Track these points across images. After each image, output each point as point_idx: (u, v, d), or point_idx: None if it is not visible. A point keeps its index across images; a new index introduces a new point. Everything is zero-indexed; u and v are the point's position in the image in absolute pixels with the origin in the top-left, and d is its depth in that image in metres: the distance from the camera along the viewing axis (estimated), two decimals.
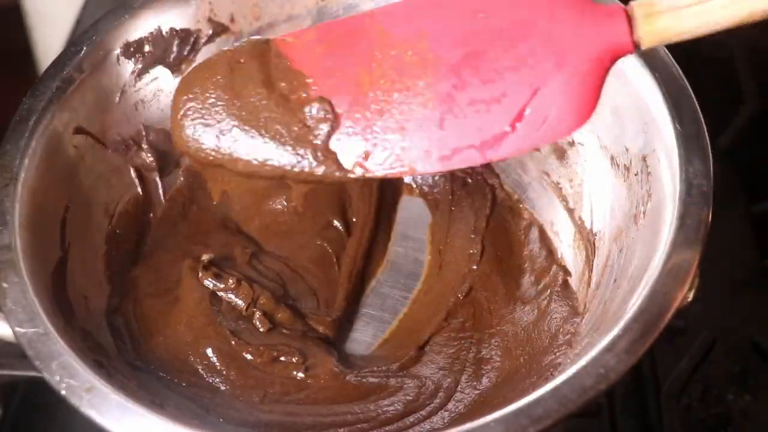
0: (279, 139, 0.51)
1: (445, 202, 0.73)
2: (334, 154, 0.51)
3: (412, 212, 0.74)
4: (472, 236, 0.70)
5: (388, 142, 0.50)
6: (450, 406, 0.60)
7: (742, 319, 0.77)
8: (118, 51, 0.64)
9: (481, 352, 0.64)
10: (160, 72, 0.67)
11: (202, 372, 0.60)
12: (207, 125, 0.52)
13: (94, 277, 0.62)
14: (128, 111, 0.66)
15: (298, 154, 0.51)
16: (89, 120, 0.63)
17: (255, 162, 0.52)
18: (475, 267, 0.69)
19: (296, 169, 0.51)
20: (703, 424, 0.71)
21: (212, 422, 0.57)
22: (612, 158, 0.61)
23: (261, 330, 0.62)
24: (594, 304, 0.59)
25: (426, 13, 0.50)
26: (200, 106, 0.53)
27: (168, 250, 0.68)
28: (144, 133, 0.67)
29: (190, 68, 0.67)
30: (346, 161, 0.51)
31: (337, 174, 0.51)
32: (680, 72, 0.57)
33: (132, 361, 0.59)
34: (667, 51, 0.58)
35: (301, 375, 0.60)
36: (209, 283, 0.63)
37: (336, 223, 0.71)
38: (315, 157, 0.51)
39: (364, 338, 0.67)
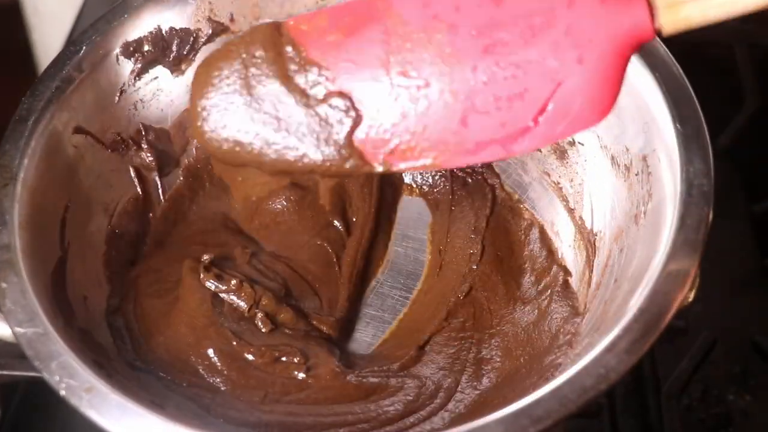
0: (302, 136, 0.50)
1: (445, 202, 0.73)
2: (359, 149, 0.50)
3: (412, 212, 0.74)
4: (473, 236, 0.70)
5: (411, 137, 0.49)
6: (450, 406, 0.60)
7: (742, 319, 0.77)
8: (117, 50, 0.64)
9: (482, 352, 0.64)
10: (160, 71, 0.67)
11: (202, 372, 0.60)
12: (228, 127, 0.51)
13: (94, 276, 0.62)
14: (128, 110, 0.66)
15: (322, 150, 0.50)
16: (89, 119, 0.63)
17: (282, 160, 0.51)
18: (475, 267, 0.69)
19: (323, 165, 0.51)
20: (704, 424, 0.71)
21: (212, 422, 0.56)
22: (612, 158, 0.61)
23: (263, 330, 0.62)
24: (594, 304, 0.59)
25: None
26: (219, 108, 0.51)
27: (168, 250, 0.68)
28: (143, 133, 0.66)
29: (189, 68, 0.68)
30: (371, 156, 0.50)
31: (364, 168, 0.50)
32: (680, 71, 0.57)
33: (132, 361, 0.59)
34: (667, 50, 0.58)
35: (302, 375, 0.60)
36: (211, 284, 0.63)
37: (336, 223, 0.71)
38: (339, 153, 0.50)
39: (364, 338, 0.67)
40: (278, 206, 0.70)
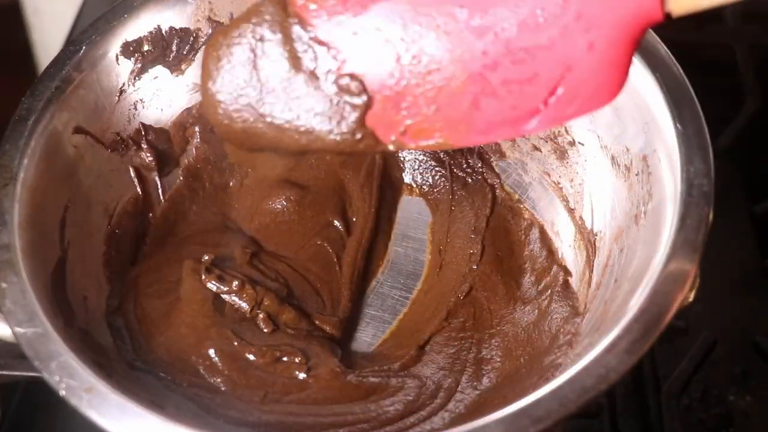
0: (315, 118, 0.50)
1: (445, 202, 0.73)
2: (371, 129, 0.49)
3: (412, 212, 0.74)
4: (473, 236, 0.70)
5: (423, 118, 0.49)
6: (450, 406, 0.60)
7: (742, 319, 0.77)
8: (117, 50, 0.64)
9: (482, 352, 0.64)
10: (160, 71, 0.67)
11: (203, 372, 0.60)
12: (243, 114, 0.51)
13: (94, 277, 0.62)
14: (128, 110, 0.66)
15: (334, 131, 0.50)
16: (88, 119, 0.63)
17: (295, 141, 0.50)
18: (475, 267, 0.69)
19: (337, 146, 0.50)
20: (704, 425, 0.71)
21: (212, 422, 0.56)
22: (612, 158, 0.61)
23: (265, 331, 0.62)
24: (594, 304, 0.59)
25: None
26: (230, 94, 0.51)
27: (168, 250, 0.68)
28: (143, 133, 0.66)
29: (189, 67, 0.68)
30: (383, 136, 0.50)
31: (378, 148, 0.50)
32: (681, 71, 0.57)
33: (132, 361, 0.59)
34: (667, 50, 0.58)
35: (303, 375, 0.60)
36: (213, 285, 0.63)
37: (336, 223, 0.71)
38: (353, 134, 0.50)
39: (364, 338, 0.67)
40: (278, 206, 0.70)
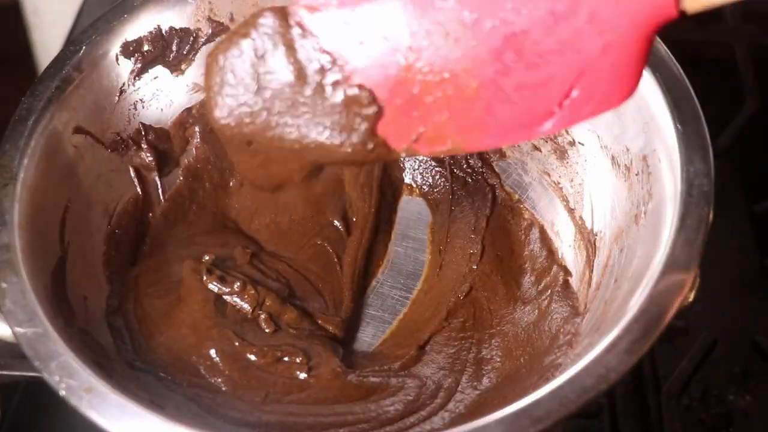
0: (325, 130, 0.49)
1: (445, 202, 0.72)
2: (383, 139, 0.49)
3: (412, 212, 0.74)
4: (473, 236, 0.70)
5: (435, 126, 0.48)
6: (450, 406, 0.60)
7: (742, 319, 0.77)
8: (117, 50, 0.64)
9: (482, 352, 0.64)
10: (160, 71, 0.67)
11: (204, 373, 0.60)
12: (254, 128, 0.51)
13: (94, 277, 0.62)
14: (128, 110, 0.66)
15: (345, 143, 0.49)
16: (88, 119, 0.63)
17: (307, 152, 0.50)
18: (475, 267, 0.69)
19: (349, 157, 0.50)
20: (704, 425, 0.71)
21: (213, 422, 0.56)
22: (612, 158, 0.61)
23: (266, 331, 0.62)
24: (594, 304, 0.59)
25: None
26: (237, 107, 0.50)
27: (168, 250, 0.68)
28: (143, 133, 0.66)
29: (189, 67, 0.67)
30: (396, 144, 0.49)
31: (390, 156, 0.50)
32: (681, 71, 0.57)
33: (132, 361, 0.59)
34: (667, 50, 0.58)
35: (303, 375, 0.60)
36: (214, 286, 0.63)
37: (336, 223, 0.71)
38: (364, 145, 0.49)
39: (364, 338, 0.67)
40: (278, 206, 0.70)
